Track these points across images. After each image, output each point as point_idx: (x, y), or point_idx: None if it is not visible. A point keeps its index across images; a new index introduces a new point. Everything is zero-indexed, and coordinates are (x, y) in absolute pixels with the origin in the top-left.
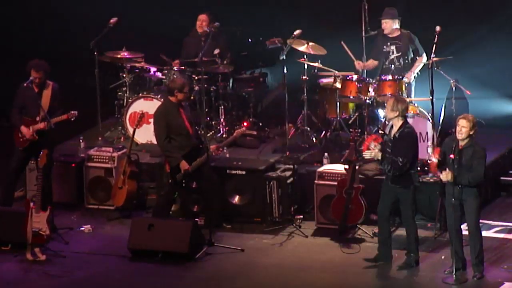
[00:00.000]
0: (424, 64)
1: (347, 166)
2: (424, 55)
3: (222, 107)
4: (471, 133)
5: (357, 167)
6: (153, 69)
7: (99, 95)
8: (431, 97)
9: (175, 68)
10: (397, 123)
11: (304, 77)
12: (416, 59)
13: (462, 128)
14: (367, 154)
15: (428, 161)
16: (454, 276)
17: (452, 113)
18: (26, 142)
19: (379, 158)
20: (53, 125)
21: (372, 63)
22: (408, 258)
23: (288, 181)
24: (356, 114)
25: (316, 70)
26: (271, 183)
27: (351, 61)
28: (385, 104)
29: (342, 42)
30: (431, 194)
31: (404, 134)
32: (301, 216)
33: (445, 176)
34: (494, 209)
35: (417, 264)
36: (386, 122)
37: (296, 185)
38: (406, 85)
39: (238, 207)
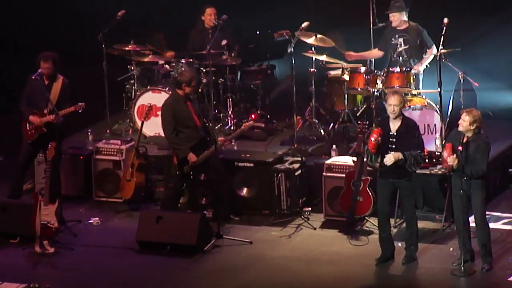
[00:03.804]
0: (433, 56)
1: (355, 158)
2: (434, 47)
3: (230, 99)
4: (471, 128)
5: (365, 159)
6: (161, 62)
7: (107, 88)
8: (439, 89)
9: (183, 61)
10: (400, 117)
11: (312, 69)
12: (426, 51)
13: (462, 121)
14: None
15: (437, 153)
16: (462, 268)
17: (460, 105)
18: (35, 135)
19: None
20: (61, 118)
21: (377, 53)
22: (410, 251)
23: (296, 173)
24: (364, 106)
25: (324, 62)
26: (279, 175)
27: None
28: (389, 101)
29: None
30: (438, 186)
31: (411, 126)
32: (309, 208)
33: (452, 160)
34: (502, 200)
35: (416, 257)
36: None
37: (304, 178)
38: (414, 76)
39: (246, 199)
